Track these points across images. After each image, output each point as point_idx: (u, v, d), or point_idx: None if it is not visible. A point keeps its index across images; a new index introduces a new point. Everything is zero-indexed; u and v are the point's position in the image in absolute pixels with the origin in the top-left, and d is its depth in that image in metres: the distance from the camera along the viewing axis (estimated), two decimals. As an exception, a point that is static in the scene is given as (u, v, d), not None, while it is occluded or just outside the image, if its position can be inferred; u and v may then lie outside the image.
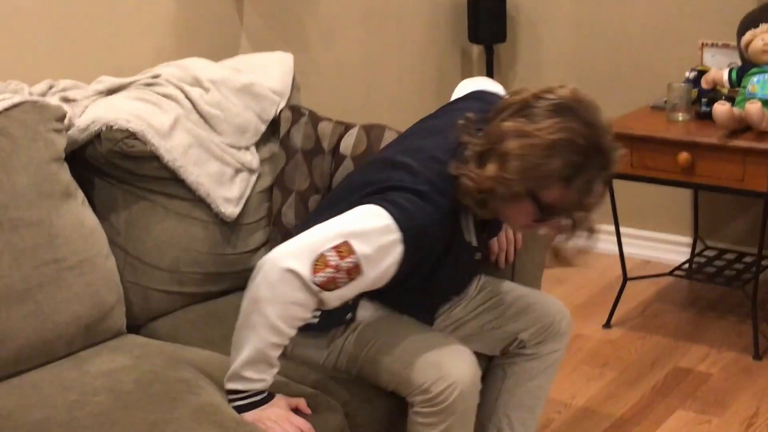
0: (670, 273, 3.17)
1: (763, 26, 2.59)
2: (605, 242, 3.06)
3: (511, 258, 2.09)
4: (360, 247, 1.53)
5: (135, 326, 2.05)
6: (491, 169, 1.53)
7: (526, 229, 1.88)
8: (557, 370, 2.04)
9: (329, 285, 1.54)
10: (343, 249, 1.54)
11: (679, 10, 3.22)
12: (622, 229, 3.08)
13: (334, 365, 1.84)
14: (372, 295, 1.76)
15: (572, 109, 1.54)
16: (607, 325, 2.97)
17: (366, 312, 1.85)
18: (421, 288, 1.81)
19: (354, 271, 1.55)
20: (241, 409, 1.61)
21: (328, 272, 1.53)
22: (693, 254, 3.32)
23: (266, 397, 1.62)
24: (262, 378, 1.58)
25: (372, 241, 1.55)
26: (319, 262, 1.53)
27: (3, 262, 1.76)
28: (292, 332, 1.58)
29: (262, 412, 1.61)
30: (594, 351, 2.87)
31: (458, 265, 1.79)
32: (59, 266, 1.83)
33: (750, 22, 2.68)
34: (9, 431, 1.60)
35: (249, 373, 1.59)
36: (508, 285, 2.03)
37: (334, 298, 1.56)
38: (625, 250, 3.10)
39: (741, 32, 2.69)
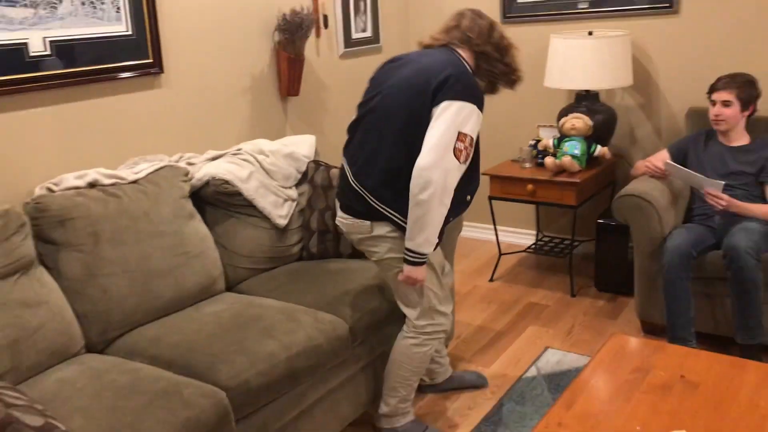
0: (525, 250, 4.17)
1: (569, 115, 3.60)
2: (488, 235, 4.28)
3: None
4: (466, 129, 2.03)
5: (229, 288, 2.72)
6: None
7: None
8: (458, 303, 2.84)
9: (466, 159, 2.05)
10: (461, 137, 2.01)
11: (525, 105, 4.16)
12: (498, 227, 4.08)
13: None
14: None
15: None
16: (491, 280, 3.89)
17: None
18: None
19: (470, 142, 2.05)
20: (411, 264, 2.10)
21: (463, 154, 2.03)
22: (537, 239, 4.31)
23: (426, 261, 2.14)
24: (435, 242, 2.09)
25: (467, 121, 2.02)
26: (456, 152, 2.01)
27: (156, 255, 2.42)
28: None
29: (417, 268, 2.11)
30: (484, 294, 3.71)
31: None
32: (187, 256, 2.52)
33: (563, 112, 3.73)
34: (161, 346, 2.20)
35: (435, 239, 2.06)
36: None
37: (466, 163, 2.06)
38: (500, 238, 4.10)
39: (558, 118, 3.69)
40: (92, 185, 2.47)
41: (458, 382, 2.81)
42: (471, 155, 2.09)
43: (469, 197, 2.26)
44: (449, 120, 2.01)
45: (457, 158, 2.02)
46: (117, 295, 2.35)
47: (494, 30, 2.21)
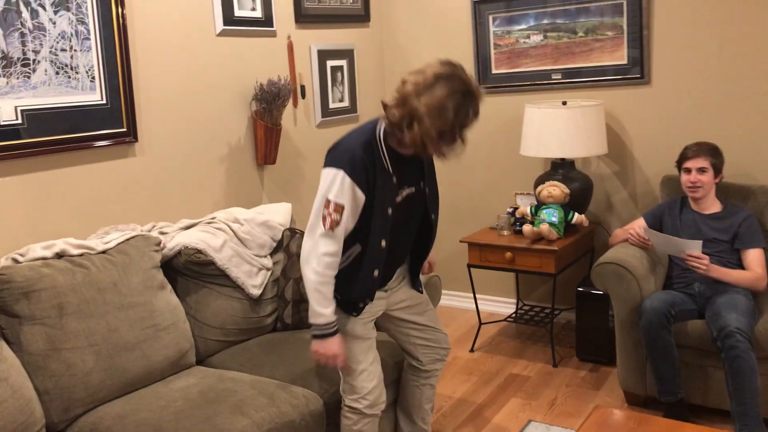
0: (505, 319, 4.13)
1: (546, 183, 3.62)
2: (468, 303, 4.24)
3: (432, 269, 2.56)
4: (331, 195, 1.96)
5: (199, 361, 2.66)
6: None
7: (441, 155, 2.02)
8: (442, 374, 2.81)
9: (331, 225, 1.95)
10: (326, 203, 1.97)
11: (501, 173, 4.21)
12: (477, 295, 4.02)
13: None
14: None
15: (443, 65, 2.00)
16: (472, 350, 3.83)
17: (354, 326, 2.22)
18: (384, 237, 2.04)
19: (334, 208, 1.96)
20: (315, 338, 2.05)
21: (327, 221, 1.96)
22: (517, 308, 4.26)
23: (331, 333, 2.03)
24: (323, 312, 1.99)
25: (331, 187, 1.97)
26: (323, 219, 1.97)
27: (124, 328, 2.35)
28: (329, 272, 1.97)
29: (322, 342, 2.05)
30: (464, 365, 3.64)
31: (391, 199, 2.01)
32: (156, 328, 2.45)
33: (539, 180, 3.75)
34: (127, 425, 2.11)
35: (316, 307, 1.99)
36: (428, 305, 2.43)
37: (341, 230, 1.96)
38: (480, 307, 4.03)
39: (535, 186, 3.73)
40: (60, 256, 2.42)
41: None
42: (340, 223, 1.97)
43: (376, 272, 2.10)
44: (320, 188, 2.02)
45: (323, 225, 1.97)
46: (81, 369, 2.26)
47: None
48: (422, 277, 2.54)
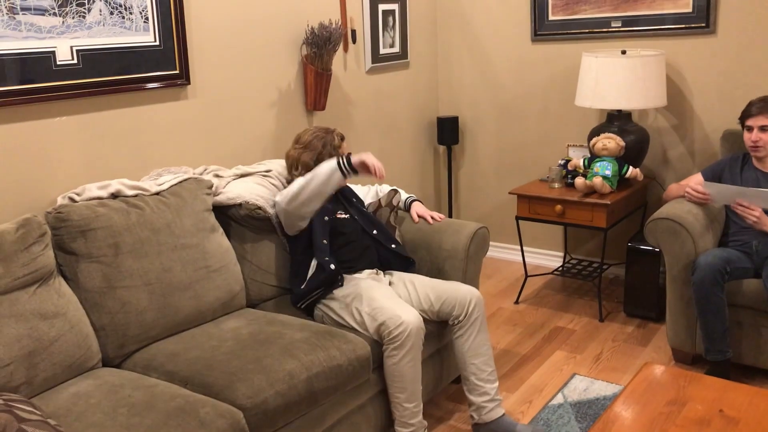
0: (552, 272, 4.11)
1: (600, 135, 3.55)
2: (515, 255, 4.27)
3: (437, 219, 2.89)
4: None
5: (254, 305, 2.68)
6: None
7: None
8: (487, 326, 2.57)
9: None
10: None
11: (554, 124, 4.14)
12: (524, 248, 4.08)
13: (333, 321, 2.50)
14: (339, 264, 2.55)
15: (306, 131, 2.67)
16: (517, 302, 3.84)
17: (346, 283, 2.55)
18: (343, 241, 2.60)
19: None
20: (348, 162, 2.46)
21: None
22: (564, 261, 4.26)
23: (347, 160, 2.46)
24: (324, 169, 2.47)
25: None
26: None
27: (177, 268, 2.39)
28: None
29: (359, 157, 2.47)
30: (509, 316, 3.65)
31: (329, 218, 2.60)
32: (208, 270, 2.50)
33: (594, 132, 3.68)
34: (178, 362, 2.17)
35: (320, 177, 2.47)
36: (430, 280, 2.65)
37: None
38: (526, 259, 4.08)
39: (589, 138, 3.66)
40: (115, 196, 2.45)
41: (510, 429, 2.55)
42: None
43: (332, 266, 2.57)
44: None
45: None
46: (136, 308, 2.31)
47: None
48: (449, 228, 2.87)
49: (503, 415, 2.57)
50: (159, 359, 2.24)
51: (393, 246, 2.77)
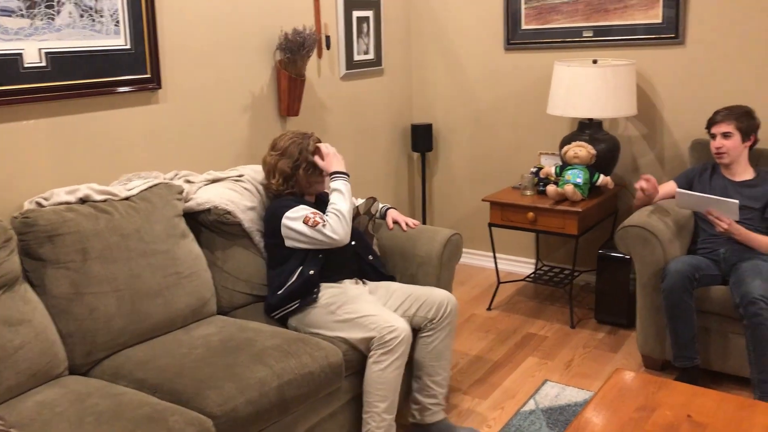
0: (524, 279, 4.12)
1: (572, 143, 3.58)
2: (487, 262, 4.30)
3: (411, 225, 2.89)
4: (305, 211, 2.54)
5: (225, 312, 2.63)
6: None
7: (320, 185, 2.68)
8: (455, 332, 2.63)
9: (315, 224, 2.52)
10: (306, 219, 2.55)
11: (527, 132, 4.18)
12: (497, 255, 4.09)
13: (313, 329, 2.46)
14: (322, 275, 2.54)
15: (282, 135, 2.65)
16: (489, 308, 3.85)
17: (325, 291, 2.53)
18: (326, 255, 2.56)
19: (315, 213, 2.54)
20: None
21: (312, 220, 2.52)
22: (536, 268, 4.28)
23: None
24: (347, 202, 2.55)
25: (299, 211, 2.55)
26: (307, 220, 2.52)
27: (146, 274, 2.35)
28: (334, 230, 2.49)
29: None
30: (481, 323, 3.67)
31: None
32: (179, 276, 2.47)
33: (565, 140, 3.72)
34: (148, 370, 2.14)
35: (346, 199, 2.55)
36: (408, 286, 2.67)
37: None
38: (499, 266, 4.08)
39: (561, 146, 3.70)
40: (83, 201, 2.42)
41: (448, 431, 2.61)
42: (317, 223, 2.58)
43: (312, 272, 2.57)
44: (290, 223, 2.65)
45: (309, 223, 2.55)
46: (104, 314, 2.27)
47: None
48: (409, 235, 2.89)
49: (444, 418, 2.61)
50: (128, 367, 2.21)
51: (370, 258, 2.77)
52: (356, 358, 2.44)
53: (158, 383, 2.10)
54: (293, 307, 2.55)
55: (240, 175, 2.89)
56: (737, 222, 2.95)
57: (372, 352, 2.36)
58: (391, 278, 2.81)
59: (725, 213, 2.90)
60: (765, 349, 2.66)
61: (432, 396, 2.59)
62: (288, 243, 2.59)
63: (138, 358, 2.24)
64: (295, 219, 2.54)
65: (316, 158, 2.67)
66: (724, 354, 2.95)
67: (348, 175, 2.67)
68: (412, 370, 2.62)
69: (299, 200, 2.69)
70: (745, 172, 3.10)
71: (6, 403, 1.99)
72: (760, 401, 2.02)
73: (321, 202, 2.76)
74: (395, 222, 2.95)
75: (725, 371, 2.98)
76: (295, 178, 2.67)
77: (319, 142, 2.73)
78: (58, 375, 2.16)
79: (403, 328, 2.37)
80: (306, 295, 2.55)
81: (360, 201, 3.02)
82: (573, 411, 2.81)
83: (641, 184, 3.13)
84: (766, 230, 3.01)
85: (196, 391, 2.03)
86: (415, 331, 2.60)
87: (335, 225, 2.51)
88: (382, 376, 2.35)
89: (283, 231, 2.58)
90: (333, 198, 2.59)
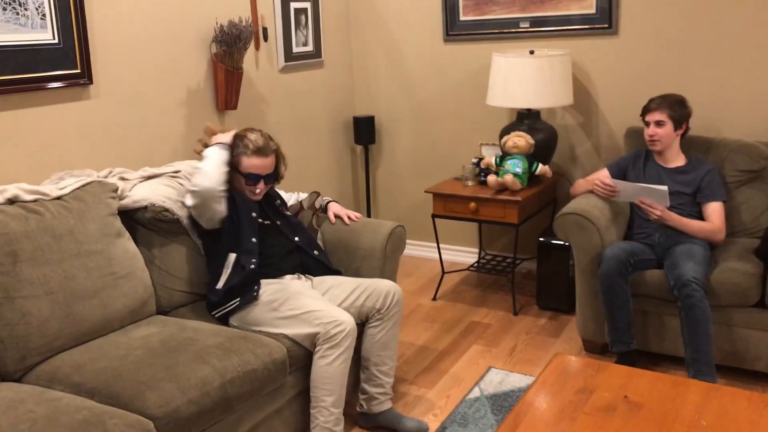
0: (468, 269, 4.17)
1: (511, 134, 3.62)
2: (432, 253, 4.34)
3: (354, 218, 2.88)
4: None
5: (165, 312, 2.60)
6: None
7: (257, 194, 2.63)
8: (402, 323, 2.74)
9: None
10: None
11: (468, 123, 4.22)
12: (441, 245, 4.10)
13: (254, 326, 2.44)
14: (262, 271, 2.53)
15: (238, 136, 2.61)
16: (434, 298, 3.89)
17: (266, 288, 2.50)
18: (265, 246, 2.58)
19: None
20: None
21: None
22: (479, 257, 4.34)
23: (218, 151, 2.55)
24: (206, 167, 2.52)
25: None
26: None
27: (81, 275, 2.30)
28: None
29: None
30: (427, 313, 3.70)
31: (249, 207, 2.59)
32: (115, 276, 2.41)
33: (505, 130, 3.77)
34: (85, 373, 2.08)
35: (206, 171, 2.51)
36: (354, 279, 2.68)
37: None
38: (443, 256, 4.16)
39: (501, 136, 3.74)
40: (12, 201, 2.33)
41: (395, 422, 2.62)
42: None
43: (252, 265, 2.55)
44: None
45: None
46: (37, 318, 2.20)
47: None
48: (371, 229, 2.86)
49: (391, 408, 2.64)
50: (64, 371, 2.14)
51: (315, 253, 2.76)
52: (301, 353, 2.42)
53: (96, 387, 2.05)
54: (233, 306, 2.51)
55: (176, 171, 2.84)
56: (669, 208, 3.04)
57: (318, 347, 2.36)
58: (338, 272, 2.80)
59: (657, 200, 2.99)
60: (698, 329, 2.75)
61: (379, 386, 2.61)
62: (199, 222, 2.63)
63: (74, 362, 2.17)
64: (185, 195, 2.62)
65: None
66: (661, 335, 3.04)
67: (228, 145, 2.63)
68: (359, 360, 2.63)
69: (238, 197, 2.66)
70: (677, 159, 3.19)
71: (-67, 414, 1.90)
72: (694, 380, 2.08)
73: (265, 202, 2.74)
74: (337, 216, 2.94)
75: (662, 352, 3.07)
76: (236, 177, 2.66)
77: (255, 150, 2.64)
78: (-11, 383, 2.08)
79: (348, 321, 2.37)
80: (245, 292, 2.51)
81: (303, 195, 2.99)
82: (516, 397, 2.85)
83: (598, 190, 3.17)
84: (698, 215, 3.11)
85: (135, 393, 1.99)
86: (362, 322, 2.61)
87: (195, 179, 2.54)
88: (329, 371, 2.35)
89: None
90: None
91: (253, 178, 2.63)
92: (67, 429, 1.80)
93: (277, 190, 2.92)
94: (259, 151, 2.61)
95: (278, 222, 2.75)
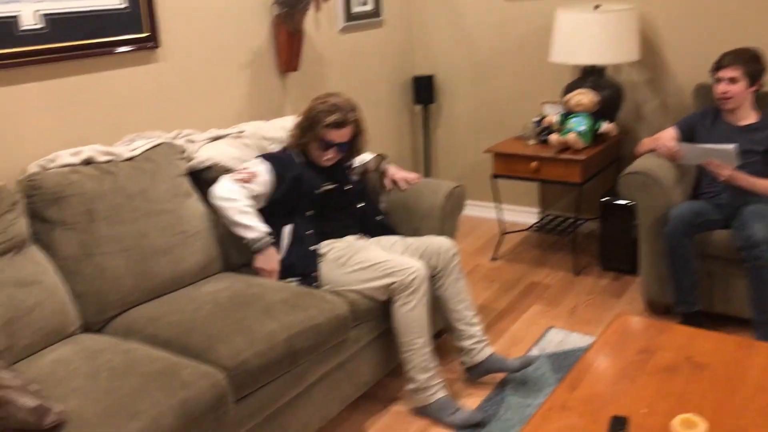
0: (528, 229, 4.21)
1: (575, 91, 3.57)
2: (491, 213, 4.30)
3: (410, 182, 2.86)
4: (249, 164, 2.60)
5: (231, 269, 2.65)
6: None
7: (324, 161, 2.63)
8: (464, 274, 2.66)
9: (245, 180, 2.52)
10: (242, 169, 2.59)
11: (529, 81, 4.15)
12: (501, 205, 4.06)
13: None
14: (322, 234, 2.58)
15: (326, 95, 2.63)
16: (493, 259, 3.90)
17: (332, 246, 2.57)
18: (323, 213, 2.62)
19: (252, 174, 2.55)
20: (253, 252, 2.48)
21: (239, 175, 2.54)
22: (540, 218, 4.32)
23: (260, 248, 2.47)
24: (245, 236, 2.47)
25: (250, 163, 2.60)
26: (234, 175, 2.56)
27: (153, 234, 2.40)
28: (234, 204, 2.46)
29: (258, 258, 2.49)
30: (486, 273, 3.72)
31: (313, 183, 2.60)
32: (185, 235, 2.51)
33: (568, 88, 3.70)
34: (159, 326, 2.19)
35: (240, 231, 2.48)
36: (409, 238, 2.73)
37: (250, 188, 2.51)
38: (503, 216, 4.12)
39: (564, 94, 3.68)
40: (87, 162, 2.43)
41: (501, 365, 2.64)
42: (251, 181, 2.55)
43: (312, 247, 2.56)
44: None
45: (232, 177, 2.55)
46: (114, 274, 2.31)
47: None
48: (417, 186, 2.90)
49: (493, 353, 2.64)
50: (139, 323, 2.25)
51: (378, 218, 2.78)
52: (363, 309, 2.47)
53: (169, 338, 2.14)
54: (292, 282, 2.54)
55: (241, 132, 2.90)
56: (740, 166, 2.95)
57: (396, 297, 2.42)
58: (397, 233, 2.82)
59: (725, 160, 2.89)
60: (765, 291, 2.69)
61: (470, 337, 2.62)
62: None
63: (149, 315, 2.27)
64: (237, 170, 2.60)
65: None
66: (726, 296, 2.98)
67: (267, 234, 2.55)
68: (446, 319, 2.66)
69: (300, 157, 2.67)
70: (748, 117, 3.08)
71: (23, 361, 2.04)
72: (760, 341, 2.05)
73: (335, 166, 2.73)
74: (394, 181, 2.91)
75: (728, 313, 3.01)
76: (309, 144, 2.65)
77: (339, 125, 2.60)
78: (71, 333, 2.21)
79: (418, 266, 2.42)
80: (305, 274, 2.53)
81: (368, 157, 2.99)
82: (577, 356, 2.84)
83: (662, 152, 3.09)
84: (769, 173, 3.01)
85: (207, 345, 2.08)
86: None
87: (221, 189, 2.52)
88: (413, 315, 2.41)
89: None
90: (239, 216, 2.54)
91: (327, 145, 2.63)
92: (144, 377, 1.90)
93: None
94: (339, 123, 2.59)
95: (345, 187, 2.76)
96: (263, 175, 2.57)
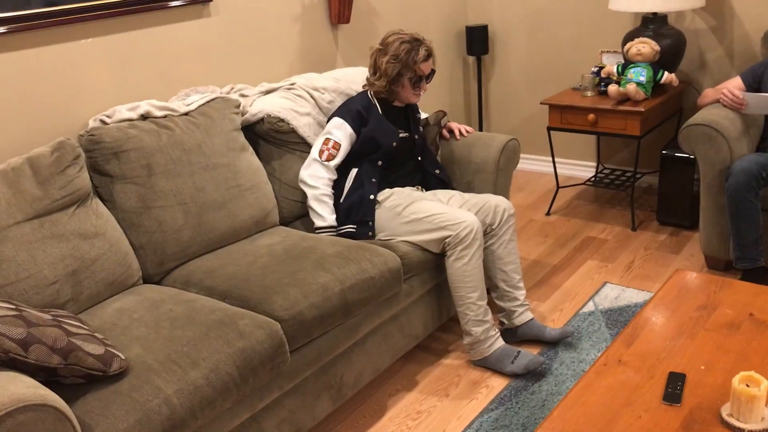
0: (584, 183, 4.08)
1: (635, 40, 3.46)
2: (546, 167, 4.30)
3: (465, 133, 2.91)
4: (332, 134, 2.60)
5: (286, 223, 2.74)
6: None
7: (415, 97, 2.64)
8: (517, 236, 2.84)
9: (328, 158, 2.58)
10: (325, 141, 2.61)
11: (587, 30, 4.02)
12: (556, 159, 4.08)
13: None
14: (383, 183, 2.61)
15: (394, 32, 2.59)
16: (548, 213, 3.85)
17: (386, 196, 2.59)
18: (390, 162, 2.63)
19: (333, 145, 2.59)
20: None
21: (324, 153, 2.57)
22: (597, 171, 4.22)
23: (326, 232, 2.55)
24: (314, 220, 2.57)
25: (333, 128, 2.60)
26: (320, 152, 2.59)
27: (209, 188, 2.43)
28: (321, 190, 2.55)
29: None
30: (540, 228, 3.68)
31: (390, 137, 2.60)
32: (240, 189, 2.53)
33: (628, 37, 3.59)
34: (216, 278, 2.24)
35: (314, 219, 2.57)
36: (467, 194, 2.72)
37: (333, 164, 2.58)
38: (558, 170, 4.14)
39: (623, 43, 3.59)
40: (144, 117, 2.47)
41: (539, 332, 2.62)
42: (336, 156, 2.58)
43: (371, 196, 2.56)
44: (325, 130, 2.65)
45: (320, 156, 2.59)
46: (172, 227, 2.36)
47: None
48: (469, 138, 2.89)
49: (532, 319, 2.64)
50: (197, 275, 2.30)
51: (437, 171, 2.78)
52: (415, 263, 2.48)
53: (227, 290, 2.19)
54: (347, 230, 2.57)
55: (292, 84, 2.91)
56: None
57: (450, 251, 2.43)
58: (454, 188, 2.83)
59: None
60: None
61: (513, 299, 2.63)
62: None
63: (206, 267, 2.33)
64: (325, 133, 2.63)
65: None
66: (792, 253, 2.88)
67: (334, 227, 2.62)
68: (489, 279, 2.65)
69: (383, 105, 2.66)
70: (821, 64, 2.92)
71: (87, 311, 2.13)
72: (827, 299, 1.98)
73: (410, 112, 2.74)
74: (449, 131, 2.93)
75: (792, 270, 2.92)
76: (400, 83, 2.62)
77: (429, 56, 2.60)
78: (133, 284, 2.29)
79: (473, 220, 2.43)
80: (362, 222, 2.55)
81: (424, 114, 2.98)
82: (632, 312, 2.82)
83: (725, 100, 2.98)
84: (843, 124, 2.86)
85: (263, 297, 2.12)
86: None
87: (308, 175, 2.59)
88: (468, 270, 2.42)
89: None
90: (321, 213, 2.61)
91: (420, 79, 2.62)
92: (203, 327, 1.95)
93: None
94: (428, 53, 2.59)
95: (416, 137, 2.76)
96: (344, 141, 2.61)
